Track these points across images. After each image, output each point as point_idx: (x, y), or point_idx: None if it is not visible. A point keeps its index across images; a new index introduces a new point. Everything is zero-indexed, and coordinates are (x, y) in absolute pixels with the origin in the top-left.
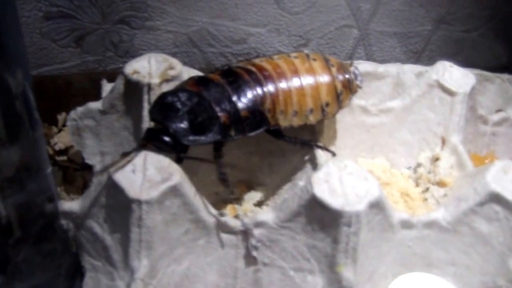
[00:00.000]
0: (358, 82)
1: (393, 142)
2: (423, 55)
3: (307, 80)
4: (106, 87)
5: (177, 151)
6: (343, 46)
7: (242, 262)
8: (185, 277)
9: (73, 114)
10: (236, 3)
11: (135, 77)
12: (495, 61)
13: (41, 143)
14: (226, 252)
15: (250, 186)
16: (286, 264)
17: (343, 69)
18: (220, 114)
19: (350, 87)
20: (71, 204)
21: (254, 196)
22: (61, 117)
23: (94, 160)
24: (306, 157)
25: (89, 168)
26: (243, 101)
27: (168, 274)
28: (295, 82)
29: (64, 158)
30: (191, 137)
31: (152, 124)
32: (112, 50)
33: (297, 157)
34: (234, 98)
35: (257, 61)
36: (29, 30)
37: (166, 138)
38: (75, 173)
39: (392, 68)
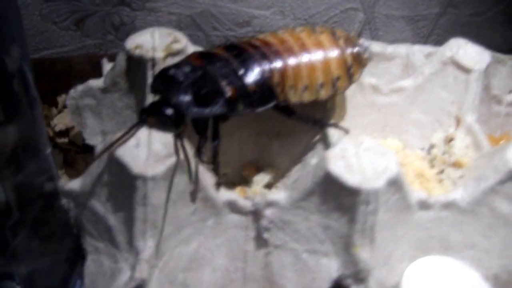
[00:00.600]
0: (367, 55)
1: (405, 122)
2: (430, 39)
3: (315, 54)
4: (107, 66)
5: (180, 125)
6: (348, 30)
7: (252, 244)
8: (193, 259)
9: (72, 92)
10: None
11: (138, 52)
12: (503, 45)
13: (40, 121)
14: (236, 234)
15: (259, 168)
16: (299, 246)
17: (351, 41)
18: (226, 87)
19: (359, 60)
20: (71, 183)
21: (263, 178)
22: (61, 98)
23: (95, 140)
24: (317, 137)
25: (90, 150)
26: (250, 75)
27: (175, 256)
28: (304, 56)
29: (65, 140)
30: (194, 109)
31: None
32: (113, 33)
33: (307, 137)
34: (241, 72)
35: (261, 36)
36: (29, 12)
37: (168, 110)
38: (76, 156)
39: (401, 49)
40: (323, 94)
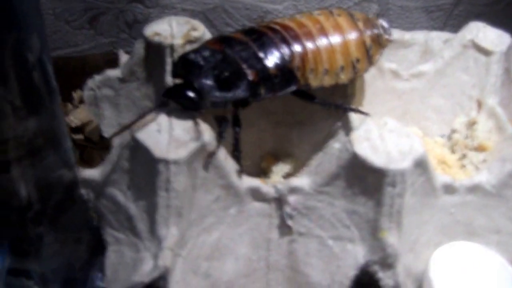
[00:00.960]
0: (387, 36)
1: (425, 108)
2: (445, 30)
3: (334, 37)
4: (124, 58)
5: (201, 108)
6: None
7: (275, 232)
8: (215, 248)
9: (90, 83)
10: None
11: (156, 38)
12: None
13: (59, 113)
14: (258, 222)
15: (277, 159)
16: (324, 233)
17: (370, 23)
18: (247, 70)
19: (379, 41)
20: (91, 172)
21: (283, 168)
22: (76, 94)
23: (112, 132)
24: (338, 123)
25: (106, 146)
26: (270, 58)
27: (198, 245)
28: (323, 39)
29: (81, 136)
30: (217, 93)
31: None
32: (126, 31)
33: (327, 125)
34: (261, 55)
35: (279, 20)
36: (42, 11)
37: (190, 93)
38: (93, 152)
39: (419, 35)
40: (343, 77)
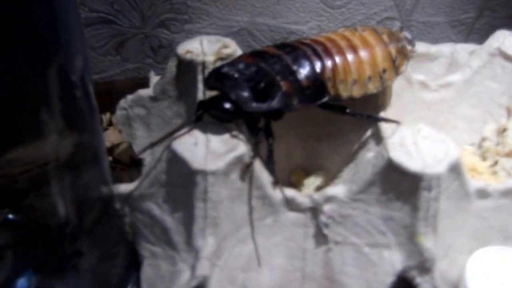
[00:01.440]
0: (411, 47)
1: (454, 118)
2: None
3: (361, 49)
4: (154, 79)
5: (237, 119)
6: None
7: (311, 242)
8: (251, 259)
9: (122, 102)
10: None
11: (188, 56)
12: None
13: (99, 130)
14: (294, 232)
15: (307, 172)
16: (359, 240)
17: (394, 36)
18: (281, 82)
19: (404, 53)
20: (126, 187)
21: (314, 181)
22: (105, 116)
23: (144, 153)
24: (368, 133)
25: (136, 167)
26: (302, 71)
27: (234, 256)
28: (351, 51)
29: (110, 158)
30: (253, 104)
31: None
32: (152, 56)
33: (357, 137)
34: (294, 68)
35: (307, 37)
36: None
37: (227, 105)
38: (122, 173)
39: (445, 48)
40: (371, 87)
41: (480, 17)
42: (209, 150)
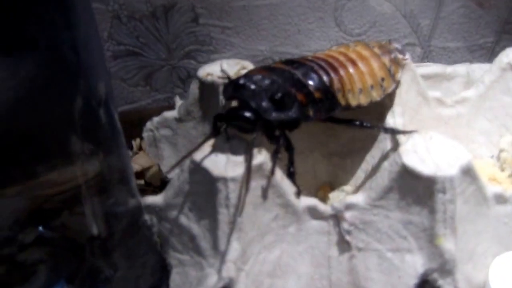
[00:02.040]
0: (402, 56)
1: (472, 132)
2: None
3: (359, 61)
4: (178, 102)
5: (256, 130)
6: None
7: (335, 249)
8: (277, 266)
9: (149, 124)
10: (298, 29)
11: (209, 78)
12: None
13: (125, 152)
14: (318, 240)
15: (334, 188)
16: (382, 246)
17: (384, 47)
18: (296, 93)
19: (397, 61)
20: (154, 198)
21: (339, 195)
22: (135, 142)
23: (172, 172)
24: (389, 147)
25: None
26: (313, 84)
27: (260, 262)
28: (350, 64)
29: (141, 181)
30: (273, 113)
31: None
32: (181, 86)
33: (379, 152)
34: (304, 81)
35: (307, 56)
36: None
37: (248, 113)
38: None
39: (460, 68)
40: (375, 94)
41: (499, 41)
42: (229, 159)
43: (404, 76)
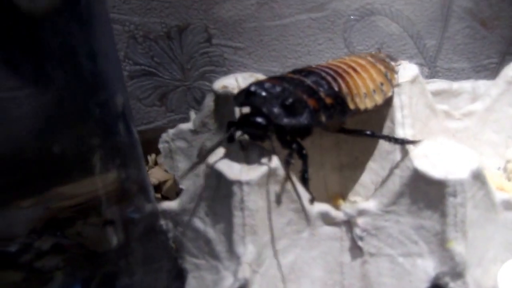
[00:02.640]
0: (394, 62)
1: (479, 144)
2: None
3: (358, 68)
4: (193, 115)
5: (268, 137)
6: None
7: (348, 255)
8: (291, 270)
9: (164, 136)
10: (308, 50)
11: (224, 90)
12: None
13: (142, 163)
14: (331, 246)
15: (344, 199)
16: (393, 251)
17: (375, 56)
18: (307, 100)
19: (391, 68)
20: (169, 203)
21: (351, 206)
22: (151, 158)
23: (187, 183)
24: (399, 158)
25: None
26: (324, 90)
27: (274, 266)
28: (352, 70)
29: (158, 195)
30: (285, 119)
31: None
32: (196, 107)
33: (389, 162)
34: (315, 87)
35: (310, 66)
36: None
37: (259, 119)
38: None
39: (466, 84)
40: (378, 98)
41: (503, 62)
42: (243, 164)
43: (413, 89)
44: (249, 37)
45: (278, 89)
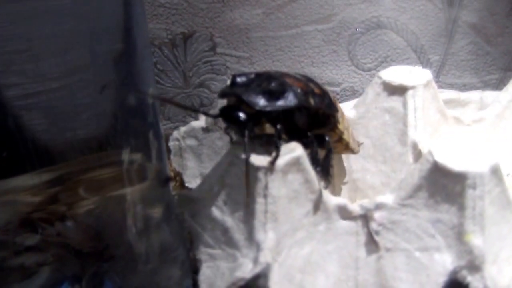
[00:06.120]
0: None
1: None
2: None
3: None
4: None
5: (253, 121)
6: None
7: (363, 250)
8: (307, 262)
9: (176, 133)
10: (312, 61)
11: None
12: None
13: (164, 155)
14: (346, 240)
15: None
16: (410, 245)
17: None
18: (294, 83)
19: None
20: (188, 192)
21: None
22: None
23: (194, 183)
24: (411, 160)
25: None
26: (311, 82)
27: (292, 256)
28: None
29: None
30: (265, 103)
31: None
32: (193, 115)
33: (400, 164)
34: (302, 79)
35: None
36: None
37: (240, 113)
38: None
39: (473, 94)
40: (338, 107)
41: (504, 78)
42: (268, 152)
43: (425, 94)
44: (254, 46)
45: (262, 77)
